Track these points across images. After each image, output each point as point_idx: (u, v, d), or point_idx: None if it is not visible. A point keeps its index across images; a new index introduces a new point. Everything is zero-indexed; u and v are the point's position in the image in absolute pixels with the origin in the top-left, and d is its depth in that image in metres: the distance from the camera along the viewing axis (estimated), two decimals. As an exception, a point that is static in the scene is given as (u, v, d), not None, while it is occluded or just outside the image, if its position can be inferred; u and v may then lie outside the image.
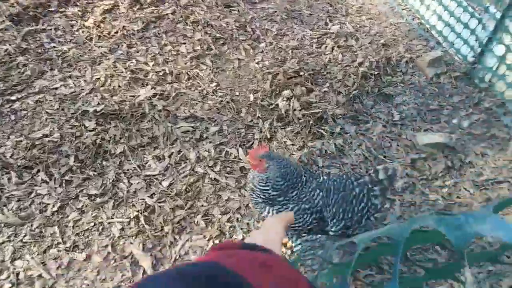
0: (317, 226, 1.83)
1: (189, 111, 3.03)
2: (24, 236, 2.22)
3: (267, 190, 1.78)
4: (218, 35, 3.85)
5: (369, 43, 3.96)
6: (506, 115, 3.22)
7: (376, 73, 3.50)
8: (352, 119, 3.05)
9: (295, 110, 3.03)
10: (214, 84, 3.33)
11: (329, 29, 4.11)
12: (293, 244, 1.93)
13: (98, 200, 2.41)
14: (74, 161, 2.57)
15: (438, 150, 2.86)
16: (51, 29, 3.72)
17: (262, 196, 1.80)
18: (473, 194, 2.62)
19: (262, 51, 3.77)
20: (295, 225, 1.80)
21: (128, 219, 2.34)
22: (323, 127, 2.93)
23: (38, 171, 2.52)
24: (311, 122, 2.91)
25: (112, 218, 2.35)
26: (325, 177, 1.91)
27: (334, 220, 1.84)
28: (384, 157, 2.84)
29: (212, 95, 3.22)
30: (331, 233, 1.86)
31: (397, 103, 3.31)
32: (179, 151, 2.73)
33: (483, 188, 2.66)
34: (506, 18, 3.29)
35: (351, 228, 1.87)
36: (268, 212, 1.82)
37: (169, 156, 2.69)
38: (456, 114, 3.27)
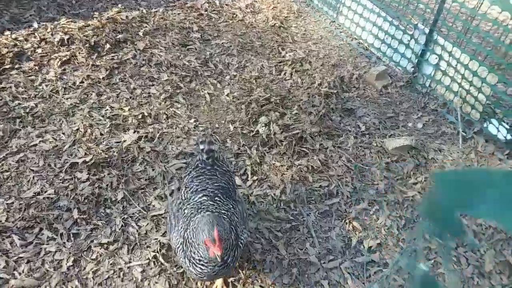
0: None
1: (177, 148, 3.18)
2: (46, 296, 2.21)
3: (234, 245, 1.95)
4: (183, 73, 4.06)
5: (321, 65, 4.42)
6: (450, 113, 3.80)
7: (335, 91, 3.93)
8: (327, 135, 3.41)
9: (275, 133, 3.32)
10: (193, 120, 3.52)
11: (283, 56, 4.51)
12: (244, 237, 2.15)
13: (112, 247, 2.46)
14: (78, 214, 2.59)
15: (404, 152, 3.30)
16: (11, 87, 3.66)
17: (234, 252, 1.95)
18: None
19: (229, 84, 4.04)
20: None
21: (147, 261, 2.42)
22: (304, 146, 3.24)
23: (41, 229, 2.51)
24: (293, 142, 3.21)
25: (130, 262, 2.41)
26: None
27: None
28: (362, 164, 3.21)
29: (194, 131, 3.40)
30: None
31: (360, 115, 3.75)
32: (179, 188, 2.86)
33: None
34: (434, 32, 3.92)
35: None
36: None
37: (170, 194, 2.81)
38: (409, 119, 3.78)
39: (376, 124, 3.66)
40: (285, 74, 4.23)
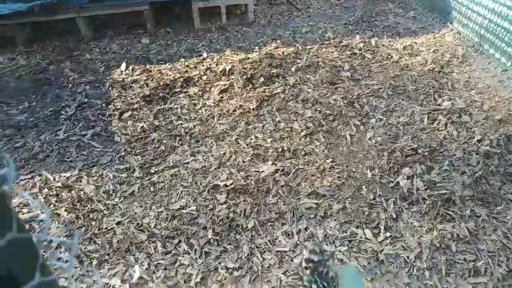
0: None
1: (310, 187, 3.22)
2: (174, 305, 2.45)
3: None
4: (327, 111, 4.12)
5: (484, 119, 3.95)
6: None
7: (498, 151, 3.45)
8: (481, 201, 3.01)
9: (418, 189, 3.08)
10: (330, 160, 3.52)
11: (438, 104, 4.19)
12: None
13: (236, 273, 2.60)
14: (212, 234, 2.82)
15: None
16: (177, 108, 4.27)
17: None
18: None
19: (373, 127, 3.93)
20: None
21: (265, 295, 2.48)
22: (451, 209, 2.92)
23: (180, 241, 2.81)
24: (439, 203, 2.92)
25: (250, 293, 2.50)
26: None
27: None
28: (524, 244, 2.72)
29: (329, 171, 3.39)
30: None
31: (527, 184, 3.20)
32: (306, 228, 2.88)
33: None
34: None
35: None
36: None
37: (297, 233, 2.84)
38: None
39: (549, 198, 3.08)
40: (438, 124, 3.90)
